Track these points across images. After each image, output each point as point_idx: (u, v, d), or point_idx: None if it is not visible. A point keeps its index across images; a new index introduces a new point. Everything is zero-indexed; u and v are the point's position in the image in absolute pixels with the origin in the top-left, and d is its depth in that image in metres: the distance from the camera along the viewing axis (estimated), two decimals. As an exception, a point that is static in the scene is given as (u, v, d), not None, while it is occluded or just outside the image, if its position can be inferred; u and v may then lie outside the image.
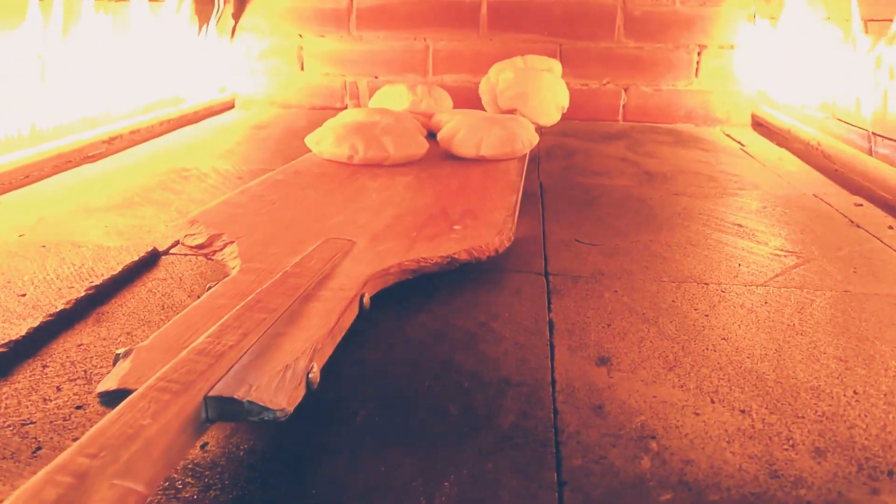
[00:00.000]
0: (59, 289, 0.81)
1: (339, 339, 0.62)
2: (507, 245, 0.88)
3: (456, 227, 0.89)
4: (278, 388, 0.49)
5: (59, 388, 0.62)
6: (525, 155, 1.34)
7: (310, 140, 1.29)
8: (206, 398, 0.47)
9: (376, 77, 2.20)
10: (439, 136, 1.35)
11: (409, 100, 1.67)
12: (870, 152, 1.40)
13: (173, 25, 1.88)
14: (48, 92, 1.39)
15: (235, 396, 0.47)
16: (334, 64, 2.20)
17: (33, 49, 1.33)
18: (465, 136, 1.30)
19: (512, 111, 1.81)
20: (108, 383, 0.50)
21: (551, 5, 2.09)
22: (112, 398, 0.48)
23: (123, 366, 0.52)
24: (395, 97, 1.70)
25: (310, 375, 0.53)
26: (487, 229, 0.89)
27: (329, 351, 0.60)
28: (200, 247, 0.83)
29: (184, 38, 1.95)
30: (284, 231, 0.86)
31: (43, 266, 0.88)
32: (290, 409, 0.48)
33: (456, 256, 0.80)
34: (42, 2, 1.32)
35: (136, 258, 0.90)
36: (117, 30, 1.61)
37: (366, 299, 0.69)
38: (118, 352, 0.54)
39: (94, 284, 0.82)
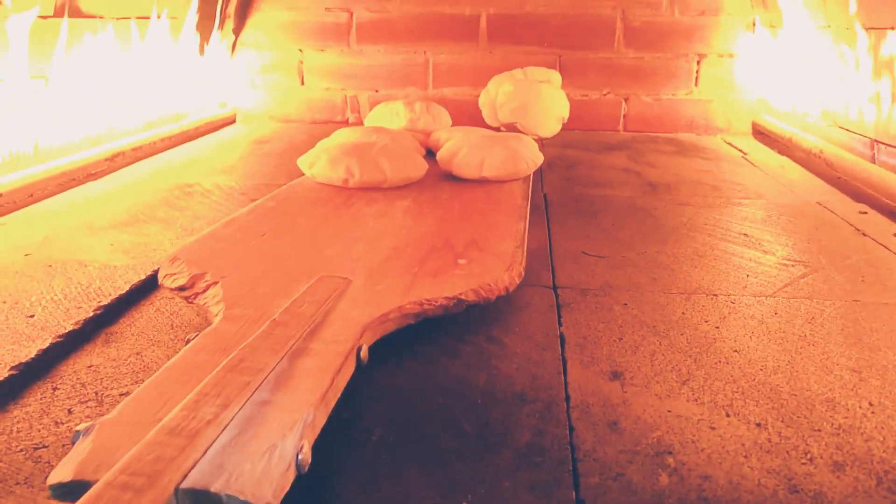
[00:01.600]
0: (67, 309, 0.80)
1: (333, 404, 0.55)
2: (518, 282, 0.79)
3: (461, 260, 0.81)
4: (263, 476, 0.43)
5: (70, 411, 0.61)
6: (529, 176, 1.27)
7: (302, 162, 1.22)
8: (177, 490, 0.40)
9: (377, 91, 2.20)
10: (439, 155, 1.29)
11: (407, 117, 1.62)
12: (872, 160, 1.40)
13: (174, 42, 1.88)
14: (51, 110, 1.39)
15: (212, 489, 0.41)
16: (335, 78, 2.21)
17: (35, 68, 1.33)
18: (466, 156, 1.23)
19: (512, 124, 1.82)
20: (62, 473, 0.42)
21: (550, 17, 2.10)
22: (67, 491, 0.42)
23: (82, 448, 0.45)
24: (392, 115, 1.64)
25: (299, 457, 0.46)
26: (495, 263, 0.80)
27: (322, 422, 0.52)
28: (181, 288, 0.75)
29: (184, 54, 1.95)
30: (274, 267, 0.79)
31: (50, 286, 0.88)
32: (276, 501, 0.42)
33: (463, 297, 0.72)
34: (44, 20, 1.32)
35: (143, 277, 0.90)
36: (118, 47, 1.62)
37: (363, 352, 0.62)
38: (78, 428, 0.46)
39: (102, 304, 0.81)
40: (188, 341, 0.61)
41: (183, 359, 0.58)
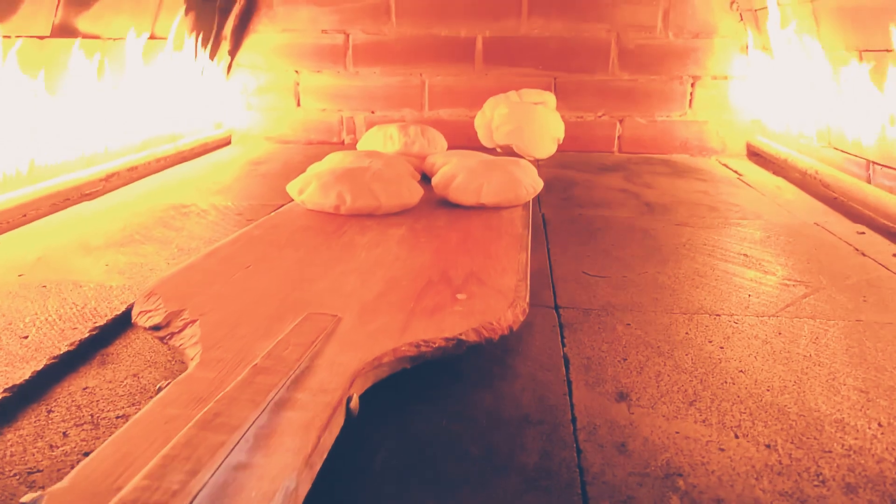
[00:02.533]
0: (62, 330, 0.79)
1: (319, 466, 0.48)
2: (522, 319, 0.73)
3: (460, 295, 0.75)
4: None
5: (65, 434, 0.60)
6: (529, 202, 1.22)
7: (292, 188, 1.16)
8: None
9: (373, 112, 2.21)
10: (434, 181, 1.24)
11: (401, 141, 1.57)
12: (868, 181, 1.41)
13: (170, 63, 1.88)
14: (46, 130, 1.39)
15: None
16: (331, 99, 2.21)
17: (32, 87, 1.32)
18: (464, 181, 1.18)
19: (508, 146, 1.82)
20: None
21: (546, 40, 2.12)
22: None
23: None
24: (386, 139, 1.59)
25: None
26: (497, 299, 0.74)
27: (306, 488, 0.46)
28: (156, 327, 0.68)
29: (180, 75, 1.95)
30: (257, 304, 0.73)
31: (44, 307, 0.86)
32: None
33: (464, 338, 0.65)
34: (39, 40, 1.32)
35: (138, 297, 0.89)
36: (115, 67, 1.61)
37: (353, 401, 0.55)
38: (23, 500, 0.40)
39: (97, 325, 0.80)
40: (159, 390, 0.55)
41: (150, 413, 0.51)
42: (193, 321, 0.68)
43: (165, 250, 1.11)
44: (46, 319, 0.82)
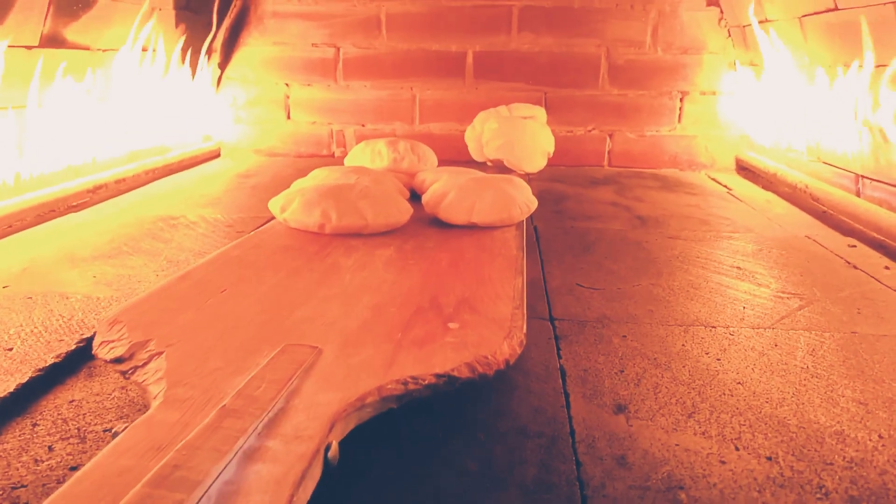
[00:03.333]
0: (48, 342, 0.77)
1: None
2: (520, 352, 0.66)
3: (451, 324, 0.69)
4: None
5: (50, 448, 0.58)
6: (522, 222, 1.16)
7: (274, 206, 1.09)
8: None
9: (363, 125, 2.20)
10: (425, 199, 1.18)
11: (390, 157, 1.50)
12: (857, 194, 1.41)
13: (159, 75, 1.87)
14: (32, 140, 1.37)
15: None
16: (321, 112, 2.21)
17: (18, 98, 1.31)
18: (455, 199, 1.12)
19: (498, 161, 1.82)
20: None
21: (536, 55, 2.12)
22: None
23: None
24: (374, 154, 1.53)
25: None
26: (492, 329, 0.68)
27: None
28: (119, 360, 0.62)
29: (170, 88, 1.94)
30: (231, 333, 0.67)
31: (30, 318, 0.84)
32: None
33: (456, 374, 0.59)
34: (27, 50, 1.30)
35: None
36: (102, 79, 1.60)
37: (333, 449, 0.49)
38: None
39: (84, 337, 0.78)
40: (114, 434, 0.49)
41: (101, 464, 0.45)
42: (159, 353, 0.62)
43: (154, 262, 1.10)
44: (32, 331, 0.80)
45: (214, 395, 0.54)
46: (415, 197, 1.30)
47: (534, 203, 1.18)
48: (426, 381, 0.58)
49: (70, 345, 0.76)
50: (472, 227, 1.10)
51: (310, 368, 0.59)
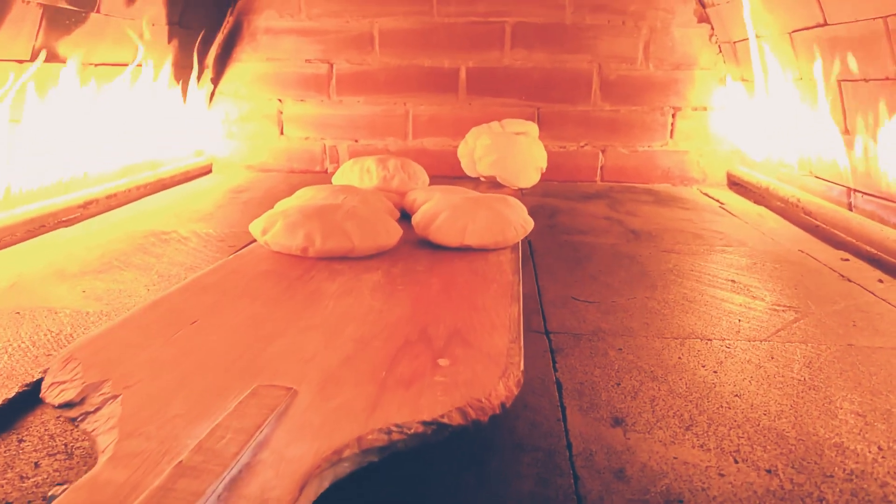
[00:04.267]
0: (36, 357, 0.76)
1: None
2: (517, 392, 0.59)
3: (441, 361, 0.63)
4: None
5: (37, 465, 0.57)
6: (518, 244, 1.10)
7: (255, 227, 1.03)
8: None
9: (356, 141, 2.20)
10: (415, 219, 1.12)
11: (379, 176, 1.44)
12: (849, 207, 1.42)
13: (151, 90, 1.87)
14: (23, 155, 1.36)
15: None
16: (314, 128, 2.21)
17: (10, 112, 1.30)
18: (447, 220, 1.06)
19: (492, 177, 1.82)
20: None
21: (529, 71, 2.13)
22: None
23: None
24: (363, 173, 1.47)
25: None
26: (486, 366, 0.62)
27: None
28: (68, 405, 0.55)
29: (162, 103, 1.94)
30: (198, 372, 0.61)
31: (17, 333, 0.83)
32: None
33: (446, 421, 0.52)
34: (20, 64, 1.30)
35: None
36: (95, 93, 1.60)
37: None
38: None
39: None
40: (49, 499, 0.44)
41: None
42: (115, 396, 0.55)
43: (145, 277, 1.09)
44: (19, 346, 0.79)
45: (172, 448, 0.48)
46: (406, 217, 1.24)
47: (529, 223, 1.12)
48: (412, 430, 0.51)
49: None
50: (464, 250, 1.04)
51: (283, 414, 0.53)
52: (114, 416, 0.52)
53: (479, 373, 0.60)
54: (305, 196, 1.21)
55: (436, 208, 1.10)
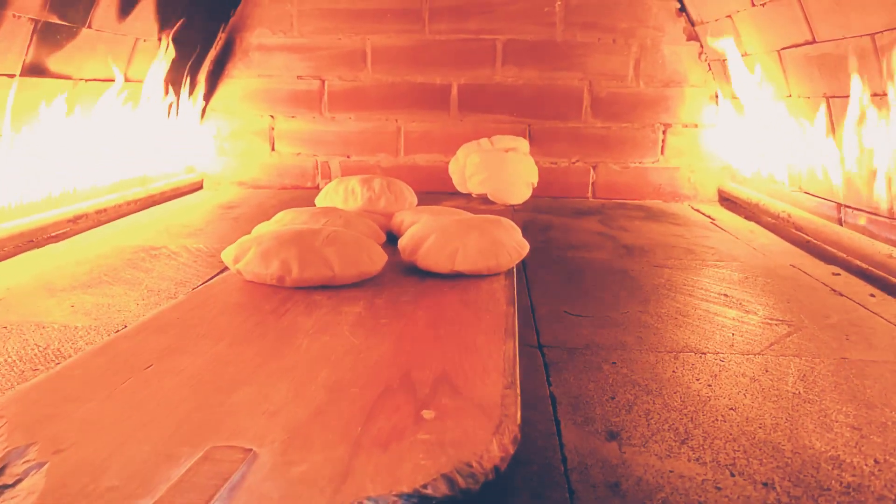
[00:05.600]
0: (22, 371, 0.75)
1: None
2: (513, 451, 0.52)
3: (426, 413, 0.55)
4: None
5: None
6: (512, 269, 1.03)
7: (227, 255, 0.96)
8: None
9: (348, 157, 2.20)
10: (401, 243, 1.05)
11: (364, 197, 1.37)
12: (840, 223, 1.42)
13: (143, 105, 1.87)
14: (11, 169, 1.35)
15: None
16: (306, 144, 2.21)
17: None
18: (435, 244, 0.99)
19: (483, 195, 1.82)
20: None
21: (520, 87, 2.14)
22: None
23: None
24: (347, 194, 1.39)
25: None
26: (477, 420, 0.54)
27: None
28: None
29: (153, 119, 1.93)
30: (143, 431, 0.52)
31: (3, 348, 0.82)
32: None
33: (429, 492, 0.45)
34: (10, 78, 1.29)
35: (106, 339, 0.85)
36: (85, 109, 1.59)
37: None
38: None
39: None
40: None
41: None
42: (41, 464, 0.47)
43: (135, 291, 1.08)
44: (6, 361, 0.78)
45: None
46: (393, 240, 1.16)
47: (525, 247, 1.05)
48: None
49: (45, 374, 0.73)
50: (455, 277, 0.97)
51: (237, 486, 0.46)
52: (35, 491, 0.44)
53: (470, 429, 0.53)
54: (285, 220, 1.15)
55: (424, 231, 1.03)
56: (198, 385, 0.61)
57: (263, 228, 1.11)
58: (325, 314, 0.81)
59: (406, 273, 1.00)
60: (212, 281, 0.96)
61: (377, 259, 0.96)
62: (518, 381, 0.63)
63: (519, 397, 0.60)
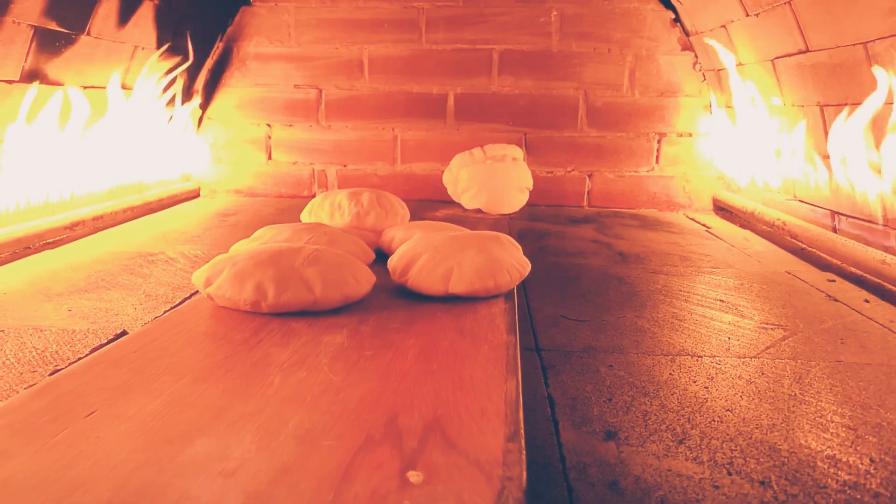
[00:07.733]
0: (20, 373, 0.75)
1: None
2: None
3: (413, 475, 0.46)
4: None
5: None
6: (513, 291, 0.94)
7: (198, 278, 0.86)
8: None
9: (345, 165, 2.21)
10: (391, 263, 0.95)
11: (352, 212, 1.28)
12: (834, 230, 1.43)
13: (140, 113, 1.87)
14: (8, 176, 1.35)
15: None
16: (302, 153, 2.21)
17: (-2, 132, 1.30)
18: (428, 264, 0.90)
19: (477, 210, 1.83)
20: None
21: (516, 97, 2.16)
22: None
23: None
24: (334, 209, 1.31)
25: None
26: (474, 483, 0.46)
27: None
28: None
29: (150, 127, 1.94)
30: (72, 497, 0.44)
31: (1, 351, 0.82)
32: None
33: None
34: (9, 85, 1.30)
35: (104, 341, 0.85)
36: (82, 116, 1.59)
37: None
38: None
39: (58, 368, 0.76)
40: None
41: None
42: None
43: (132, 296, 1.08)
44: (3, 363, 0.78)
45: None
46: (384, 258, 1.07)
47: (526, 266, 0.96)
48: None
49: (43, 375, 0.74)
50: (449, 299, 0.88)
51: None
52: None
53: (465, 493, 0.44)
54: (266, 237, 1.07)
55: (416, 249, 0.94)
56: (147, 435, 0.52)
57: (241, 246, 1.03)
58: (302, 345, 0.72)
59: (396, 295, 0.91)
60: (182, 305, 0.86)
61: (364, 281, 0.87)
62: (522, 431, 0.54)
63: (524, 452, 0.51)
